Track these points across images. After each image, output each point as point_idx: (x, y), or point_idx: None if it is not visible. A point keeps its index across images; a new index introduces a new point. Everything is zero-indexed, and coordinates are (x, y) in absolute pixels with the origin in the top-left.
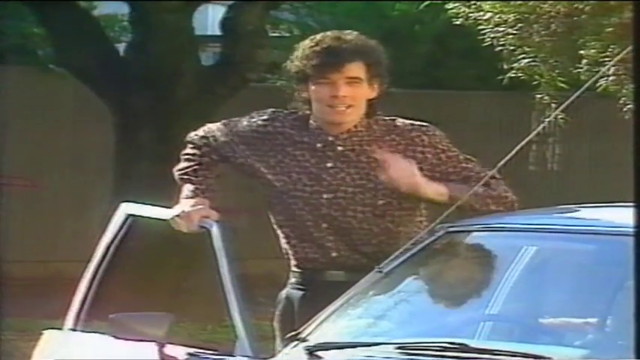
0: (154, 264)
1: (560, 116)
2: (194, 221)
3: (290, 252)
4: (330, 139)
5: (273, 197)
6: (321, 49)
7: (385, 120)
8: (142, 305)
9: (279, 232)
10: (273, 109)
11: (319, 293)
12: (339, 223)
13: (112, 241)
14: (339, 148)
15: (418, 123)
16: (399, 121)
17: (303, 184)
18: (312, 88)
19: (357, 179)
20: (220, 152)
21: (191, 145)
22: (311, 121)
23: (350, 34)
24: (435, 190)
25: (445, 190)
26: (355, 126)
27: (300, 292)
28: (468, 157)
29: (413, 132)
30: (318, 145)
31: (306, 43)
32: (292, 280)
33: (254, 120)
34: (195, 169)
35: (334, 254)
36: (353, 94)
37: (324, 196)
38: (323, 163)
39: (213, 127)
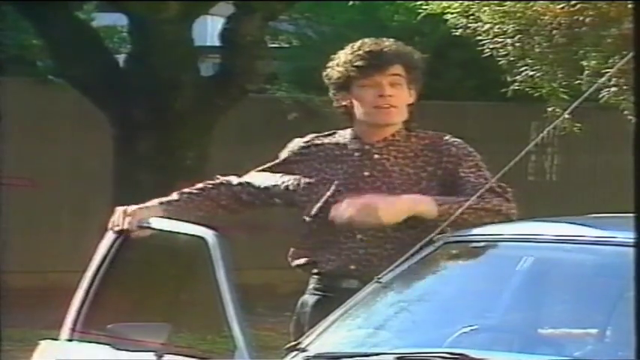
0: (152, 274)
1: (577, 126)
2: (132, 221)
3: (312, 259)
4: (367, 147)
5: (312, 215)
6: (364, 53)
7: (419, 133)
8: (140, 316)
9: (305, 244)
10: (313, 133)
11: (334, 300)
12: (375, 232)
13: (108, 251)
14: (375, 156)
15: (453, 138)
16: (432, 133)
17: (341, 196)
18: (356, 91)
19: (391, 188)
20: (253, 190)
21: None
22: (350, 131)
23: (388, 40)
24: (421, 207)
25: (434, 206)
26: (393, 135)
27: (315, 297)
28: (486, 178)
29: (443, 145)
30: (356, 154)
31: (346, 50)
32: (310, 286)
33: (294, 145)
34: (200, 188)
35: (352, 267)
36: (397, 94)
37: None
38: (360, 172)
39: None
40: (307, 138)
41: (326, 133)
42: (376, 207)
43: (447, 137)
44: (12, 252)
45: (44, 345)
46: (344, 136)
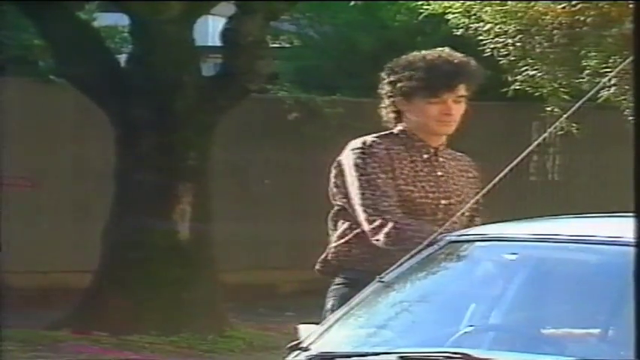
0: (155, 274)
1: (574, 127)
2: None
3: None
4: (432, 149)
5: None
6: (437, 70)
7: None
8: (141, 314)
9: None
10: (367, 136)
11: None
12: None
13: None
14: (441, 159)
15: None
16: (453, 150)
17: (425, 192)
18: (421, 103)
19: (460, 187)
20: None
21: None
22: (405, 134)
23: (455, 55)
24: None
25: None
26: (446, 140)
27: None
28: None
29: (471, 165)
30: (425, 155)
31: (416, 60)
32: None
33: (362, 145)
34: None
35: None
36: (459, 110)
37: (442, 202)
38: (434, 172)
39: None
40: (370, 138)
41: (379, 134)
42: None
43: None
44: (12, 252)
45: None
46: (400, 138)
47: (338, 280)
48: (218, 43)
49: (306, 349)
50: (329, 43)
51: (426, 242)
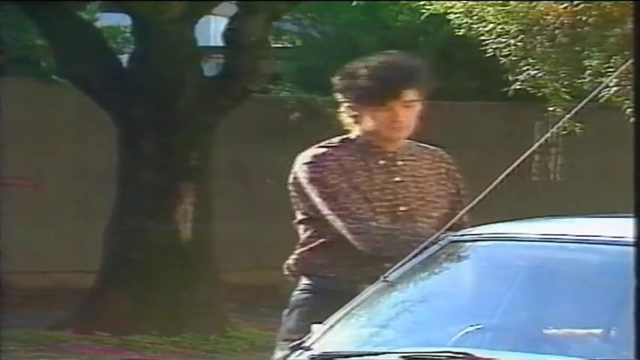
0: (157, 274)
1: (577, 127)
2: None
3: (318, 259)
4: (390, 154)
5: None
6: (380, 77)
7: (412, 142)
8: (143, 315)
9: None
10: (319, 145)
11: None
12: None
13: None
14: (399, 162)
15: (442, 150)
16: (425, 145)
17: (380, 200)
18: (371, 110)
19: (421, 190)
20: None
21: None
22: (361, 140)
23: (403, 58)
24: None
25: None
26: (404, 143)
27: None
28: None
29: (444, 158)
30: (381, 161)
31: (361, 67)
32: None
33: (306, 163)
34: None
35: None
36: (409, 115)
37: (401, 208)
38: (391, 178)
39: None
40: (320, 149)
41: (331, 142)
42: None
43: (439, 149)
44: (14, 252)
45: None
46: (356, 143)
47: (301, 285)
48: (220, 43)
49: (308, 349)
50: (331, 43)
51: (427, 242)
